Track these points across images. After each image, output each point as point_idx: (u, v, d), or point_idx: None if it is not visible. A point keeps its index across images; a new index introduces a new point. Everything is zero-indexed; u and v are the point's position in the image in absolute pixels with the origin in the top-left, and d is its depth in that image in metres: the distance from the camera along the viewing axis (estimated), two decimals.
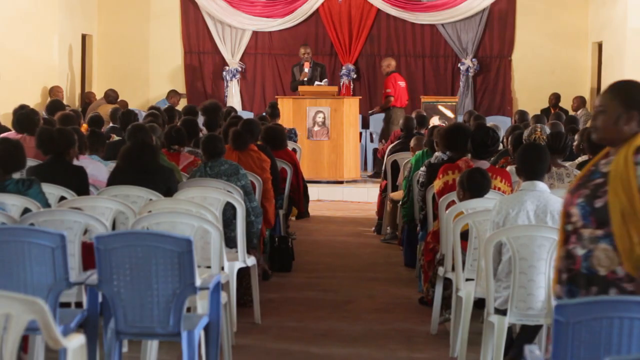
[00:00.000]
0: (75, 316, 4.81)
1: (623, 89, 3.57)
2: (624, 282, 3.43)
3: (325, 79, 14.17)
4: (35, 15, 13.98)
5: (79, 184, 6.41)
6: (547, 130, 7.35)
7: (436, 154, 7.58)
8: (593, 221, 3.48)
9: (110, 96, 14.58)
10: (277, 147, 9.07)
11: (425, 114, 11.54)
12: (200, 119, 9.78)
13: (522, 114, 11.41)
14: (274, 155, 8.60)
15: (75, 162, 6.69)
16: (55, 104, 11.33)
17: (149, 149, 6.55)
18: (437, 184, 6.61)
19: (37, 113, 9.05)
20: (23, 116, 8.66)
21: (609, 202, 3.45)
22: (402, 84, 14.75)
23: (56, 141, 6.54)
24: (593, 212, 3.48)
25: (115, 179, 6.52)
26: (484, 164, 6.52)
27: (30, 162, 6.70)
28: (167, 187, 6.43)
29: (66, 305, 5.23)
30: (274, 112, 11.51)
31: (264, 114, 12.08)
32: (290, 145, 10.71)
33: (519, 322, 5.07)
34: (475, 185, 5.93)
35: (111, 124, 10.72)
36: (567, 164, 7.04)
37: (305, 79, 14.11)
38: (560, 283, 3.58)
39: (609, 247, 3.45)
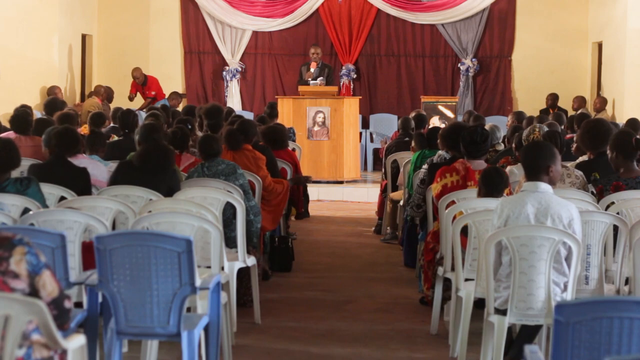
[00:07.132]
0: (75, 316, 4.79)
1: None
2: None
3: (321, 78, 13.97)
4: (35, 15, 13.97)
5: (83, 185, 6.40)
6: (546, 130, 7.33)
7: (439, 152, 7.56)
8: None
9: (100, 92, 14.64)
10: (278, 146, 9.07)
11: (424, 113, 11.43)
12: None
13: (520, 115, 11.38)
14: (275, 155, 8.60)
15: (75, 162, 6.69)
16: (53, 102, 11.29)
17: (167, 152, 6.53)
18: (436, 187, 6.54)
19: (30, 114, 9.03)
20: (16, 116, 8.67)
21: None
22: None
23: (60, 141, 6.54)
24: None
25: (119, 176, 6.50)
26: (481, 164, 6.47)
27: (26, 162, 6.70)
28: (169, 187, 6.42)
29: None
30: (273, 112, 11.48)
31: (263, 114, 12.05)
32: (289, 144, 10.70)
33: (519, 322, 5.06)
34: (490, 183, 5.84)
35: (111, 124, 10.71)
36: (568, 164, 7.01)
37: (310, 78, 14.03)
38: None
39: None
